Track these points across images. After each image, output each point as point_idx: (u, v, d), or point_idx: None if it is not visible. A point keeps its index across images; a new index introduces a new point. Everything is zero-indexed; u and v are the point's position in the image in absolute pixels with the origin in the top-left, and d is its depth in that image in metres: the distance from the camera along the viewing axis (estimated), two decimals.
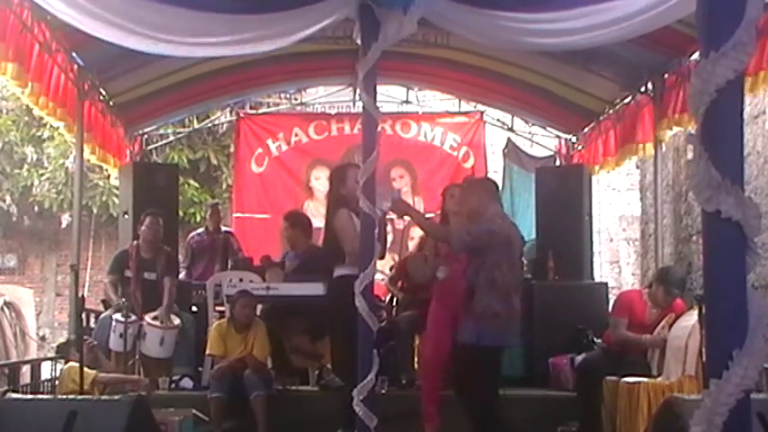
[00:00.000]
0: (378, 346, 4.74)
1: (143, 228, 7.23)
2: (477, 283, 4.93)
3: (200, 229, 9.05)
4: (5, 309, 9.49)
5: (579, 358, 6.61)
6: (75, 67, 7.16)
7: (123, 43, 5.26)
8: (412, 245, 8.55)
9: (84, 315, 6.29)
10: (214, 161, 13.20)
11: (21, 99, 12.43)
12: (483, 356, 4.91)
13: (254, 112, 10.85)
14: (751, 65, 5.36)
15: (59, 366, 6.34)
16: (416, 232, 8.19)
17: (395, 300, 7.44)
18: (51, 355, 7.55)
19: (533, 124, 10.52)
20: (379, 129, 5.21)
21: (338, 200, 5.61)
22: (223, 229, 9.05)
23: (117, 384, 6.04)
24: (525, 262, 7.67)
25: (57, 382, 6.08)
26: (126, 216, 8.36)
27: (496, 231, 4.93)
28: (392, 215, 6.48)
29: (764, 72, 5.46)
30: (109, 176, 10.32)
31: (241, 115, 10.69)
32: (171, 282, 7.12)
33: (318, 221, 7.39)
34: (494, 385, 5.05)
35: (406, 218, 8.96)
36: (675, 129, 7.40)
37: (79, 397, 4.71)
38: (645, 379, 5.64)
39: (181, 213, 10.68)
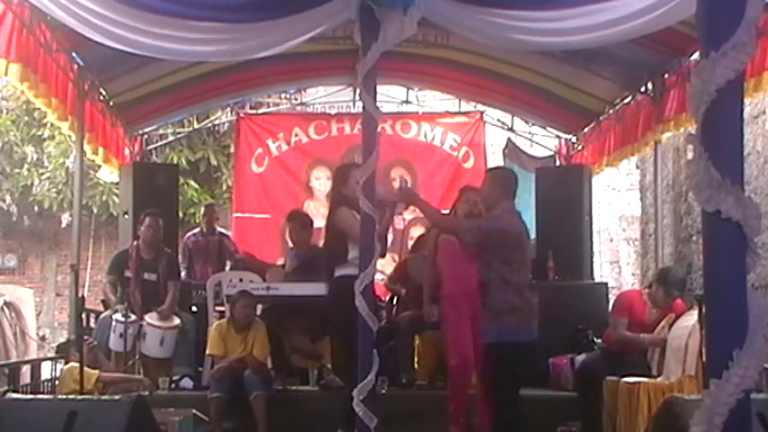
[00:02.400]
0: (378, 346, 4.74)
1: (142, 228, 7.23)
2: (489, 279, 4.89)
3: (196, 230, 9.02)
4: (5, 309, 9.49)
5: (579, 358, 6.61)
6: (75, 67, 7.16)
7: (125, 48, 5.29)
8: (411, 245, 8.56)
9: (84, 315, 6.29)
10: (214, 161, 13.19)
11: (21, 99, 12.58)
12: (506, 354, 4.87)
13: (254, 112, 10.85)
14: (754, 67, 5.38)
15: (59, 366, 6.34)
16: (416, 232, 8.21)
17: (395, 300, 7.44)
18: (51, 355, 7.55)
19: (533, 124, 10.52)
20: (379, 129, 5.20)
21: (339, 199, 5.60)
22: (218, 230, 9.03)
23: (119, 384, 6.04)
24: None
25: (57, 382, 6.08)
26: (126, 216, 8.36)
27: (507, 231, 4.88)
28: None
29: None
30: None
31: (241, 115, 10.69)
32: (174, 286, 7.12)
33: (318, 221, 7.40)
34: (519, 383, 4.99)
35: (407, 216, 8.98)
36: (675, 129, 7.40)
37: (79, 397, 4.71)
38: (645, 379, 5.63)
39: (181, 214, 10.68)
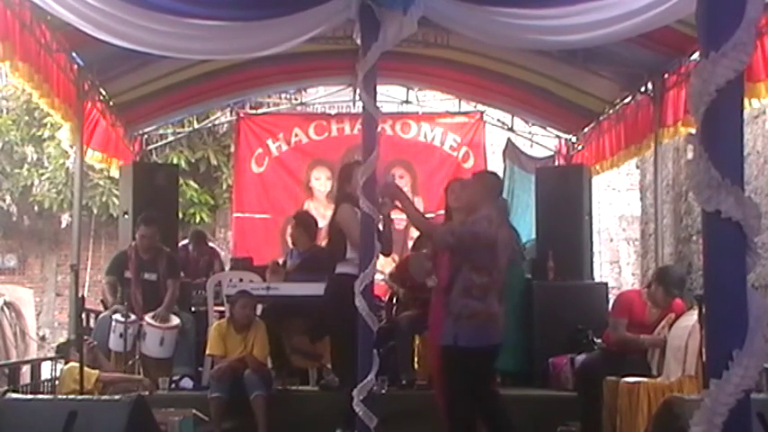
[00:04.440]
0: (378, 346, 4.73)
1: (137, 235, 7.22)
2: (455, 283, 4.87)
3: (186, 240, 9.08)
4: (5, 309, 9.49)
5: (579, 358, 6.61)
6: (75, 67, 7.17)
7: (124, 44, 5.30)
8: (411, 244, 8.56)
9: (84, 315, 6.29)
10: (214, 161, 13.19)
11: (21, 99, 12.58)
12: (460, 358, 4.84)
13: (254, 112, 10.86)
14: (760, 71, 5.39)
15: (59, 366, 6.34)
16: (416, 232, 8.20)
17: (395, 300, 7.44)
18: (51, 355, 7.55)
19: (533, 124, 10.53)
20: (379, 129, 5.20)
21: (343, 197, 5.61)
22: (210, 245, 9.04)
23: (119, 384, 6.04)
24: (525, 260, 7.67)
25: (57, 382, 6.08)
26: (126, 216, 8.35)
27: (480, 234, 4.84)
28: (393, 215, 6.49)
29: None
30: (109, 175, 10.32)
31: (241, 115, 10.70)
32: (174, 284, 7.12)
33: (319, 221, 7.40)
34: (471, 388, 4.97)
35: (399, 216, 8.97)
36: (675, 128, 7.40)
37: (79, 397, 4.71)
38: (645, 379, 5.63)
39: (181, 214, 10.69)
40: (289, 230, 7.64)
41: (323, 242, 6.43)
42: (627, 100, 8.35)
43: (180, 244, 8.92)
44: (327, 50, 7.95)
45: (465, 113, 10.69)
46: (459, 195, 5.59)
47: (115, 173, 9.15)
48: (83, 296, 6.25)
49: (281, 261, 7.64)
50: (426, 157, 10.64)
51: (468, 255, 4.84)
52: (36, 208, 13.60)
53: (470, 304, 4.79)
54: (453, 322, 4.84)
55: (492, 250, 4.85)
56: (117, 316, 6.64)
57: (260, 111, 10.95)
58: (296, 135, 10.66)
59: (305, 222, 7.22)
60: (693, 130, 2.31)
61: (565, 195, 8.28)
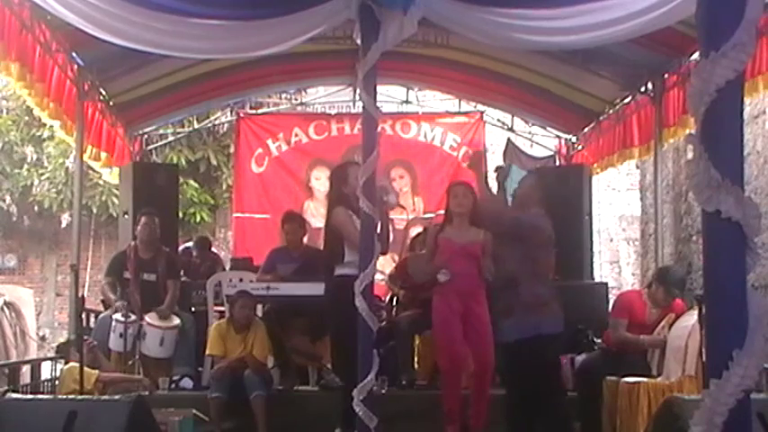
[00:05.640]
0: (378, 346, 4.72)
1: (138, 227, 7.22)
2: (521, 272, 4.97)
3: (191, 244, 9.10)
4: (5, 309, 9.49)
5: (579, 358, 6.61)
6: (75, 67, 7.17)
7: (124, 42, 5.30)
8: (409, 244, 8.55)
9: (84, 315, 6.29)
10: (214, 161, 13.21)
11: (21, 99, 12.57)
12: (546, 347, 4.89)
13: (254, 112, 10.87)
14: (752, 67, 5.39)
15: (59, 366, 6.34)
16: (416, 232, 8.20)
17: (395, 300, 7.43)
18: (51, 355, 7.55)
19: (533, 124, 10.54)
20: (379, 129, 5.20)
21: (339, 198, 5.59)
22: (213, 250, 9.08)
23: (119, 384, 6.04)
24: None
25: (57, 382, 6.08)
26: (126, 216, 8.36)
27: (541, 227, 4.98)
28: (392, 215, 6.49)
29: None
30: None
31: (241, 115, 10.71)
32: (174, 285, 7.12)
33: (318, 221, 7.40)
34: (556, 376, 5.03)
35: (406, 216, 8.94)
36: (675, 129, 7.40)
37: (79, 397, 4.71)
38: (645, 379, 5.63)
39: (181, 214, 10.69)
40: (284, 233, 7.51)
41: (320, 243, 6.39)
42: (627, 100, 8.36)
43: (182, 246, 8.93)
44: (327, 50, 7.95)
45: (465, 113, 10.70)
46: (462, 201, 5.61)
47: (115, 174, 9.16)
48: (83, 296, 6.25)
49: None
50: (426, 156, 10.65)
51: (529, 245, 4.93)
52: (36, 208, 13.61)
53: (541, 291, 4.87)
54: (527, 312, 4.88)
55: (547, 248, 4.96)
56: (117, 316, 6.64)
57: (260, 111, 10.95)
58: (296, 135, 10.67)
59: (299, 221, 7.24)
60: (693, 131, 2.31)
61: (565, 195, 8.28)
